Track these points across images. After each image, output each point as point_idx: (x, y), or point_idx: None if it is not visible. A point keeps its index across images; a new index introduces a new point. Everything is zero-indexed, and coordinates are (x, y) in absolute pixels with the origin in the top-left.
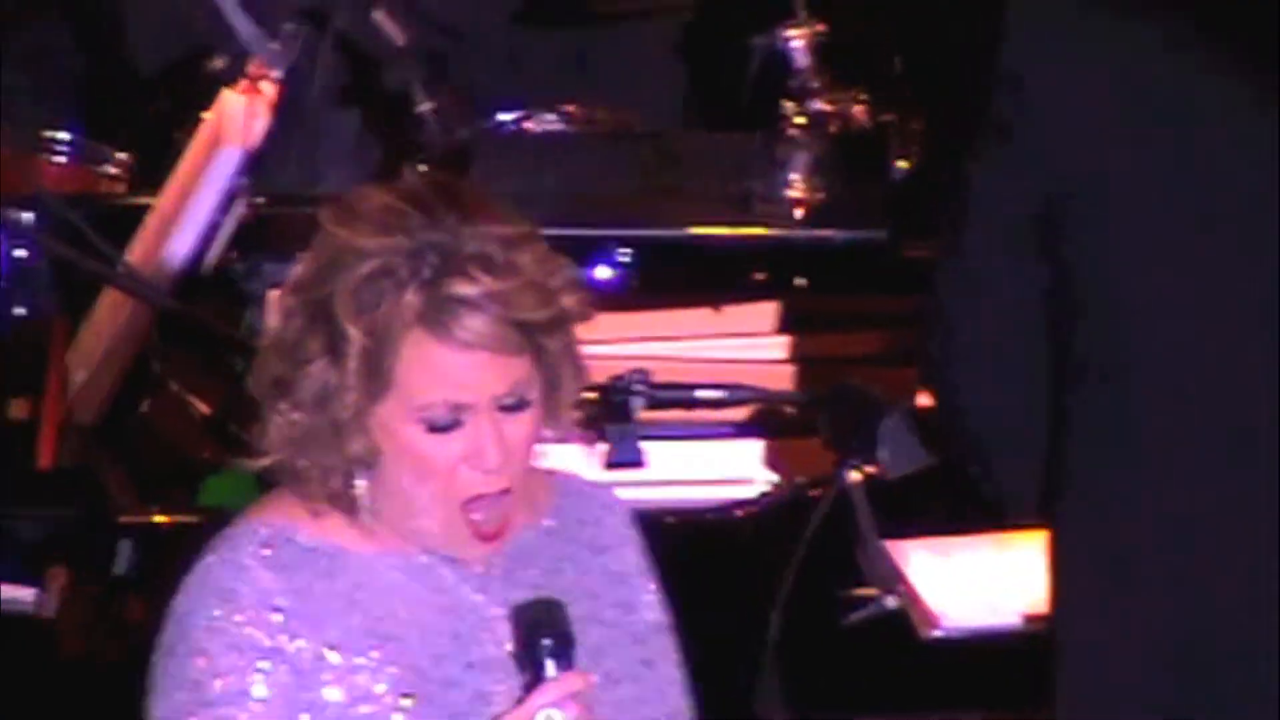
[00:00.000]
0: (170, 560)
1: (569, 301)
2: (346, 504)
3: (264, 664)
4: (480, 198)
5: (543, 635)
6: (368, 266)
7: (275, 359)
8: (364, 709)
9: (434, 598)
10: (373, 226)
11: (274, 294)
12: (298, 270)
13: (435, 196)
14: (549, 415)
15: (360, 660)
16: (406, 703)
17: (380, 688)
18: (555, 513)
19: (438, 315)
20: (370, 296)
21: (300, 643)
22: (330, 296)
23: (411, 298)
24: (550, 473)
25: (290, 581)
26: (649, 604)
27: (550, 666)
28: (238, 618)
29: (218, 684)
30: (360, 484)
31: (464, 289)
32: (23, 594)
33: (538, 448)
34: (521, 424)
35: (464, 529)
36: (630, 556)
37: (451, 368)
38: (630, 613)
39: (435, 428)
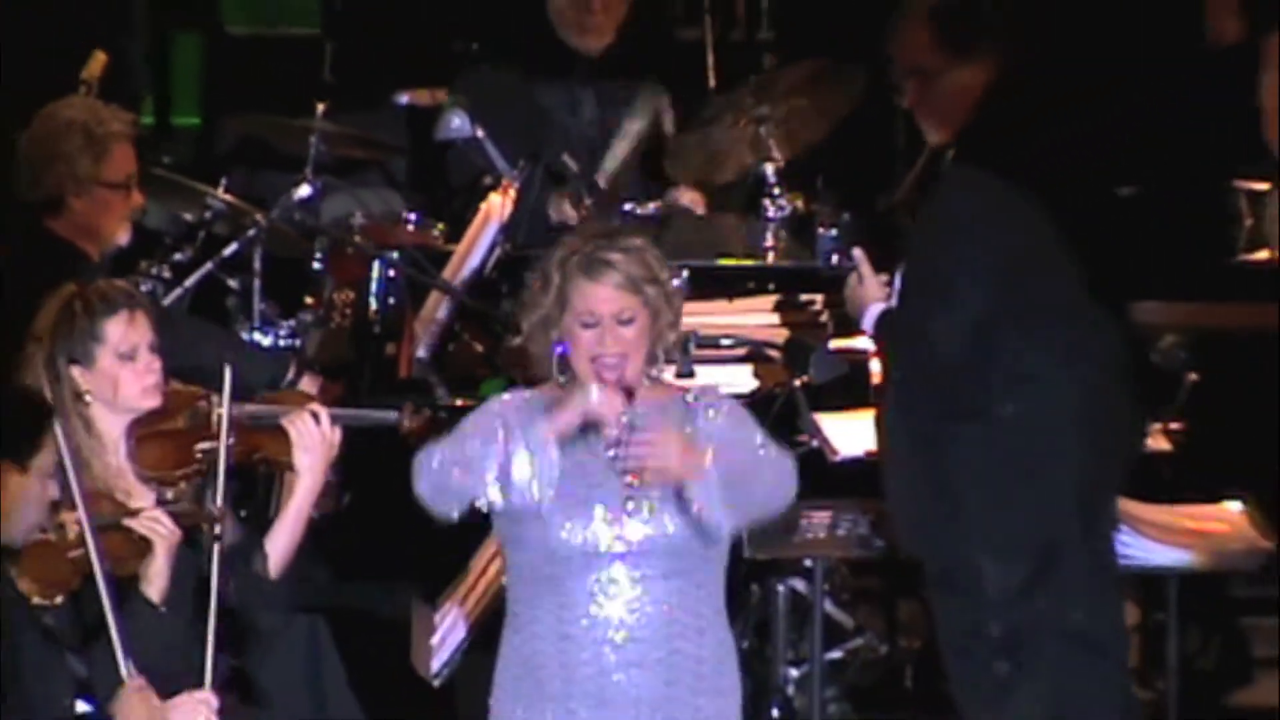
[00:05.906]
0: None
1: (663, 275)
2: (558, 377)
3: (496, 425)
4: (624, 230)
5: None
6: (563, 253)
7: (531, 296)
8: (538, 466)
9: (584, 430)
10: (568, 242)
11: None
12: (536, 269)
13: (602, 229)
14: (653, 335)
15: (536, 446)
16: (557, 478)
17: (547, 469)
18: (648, 405)
19: (590, 268)
20: (561, 263)
21: (514, 429)
22: (549, 266)
23: (579, 261)
24: (655, 386)
25: (519, 407)
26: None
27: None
28: (495, 408)
29: (470, 428)
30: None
31: (606, 256)
32: (390, 415)
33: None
34: (630, 330)
35: (596, 376)
36: (680, 422)
37: (593, 295)
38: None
39: (585, 325)
